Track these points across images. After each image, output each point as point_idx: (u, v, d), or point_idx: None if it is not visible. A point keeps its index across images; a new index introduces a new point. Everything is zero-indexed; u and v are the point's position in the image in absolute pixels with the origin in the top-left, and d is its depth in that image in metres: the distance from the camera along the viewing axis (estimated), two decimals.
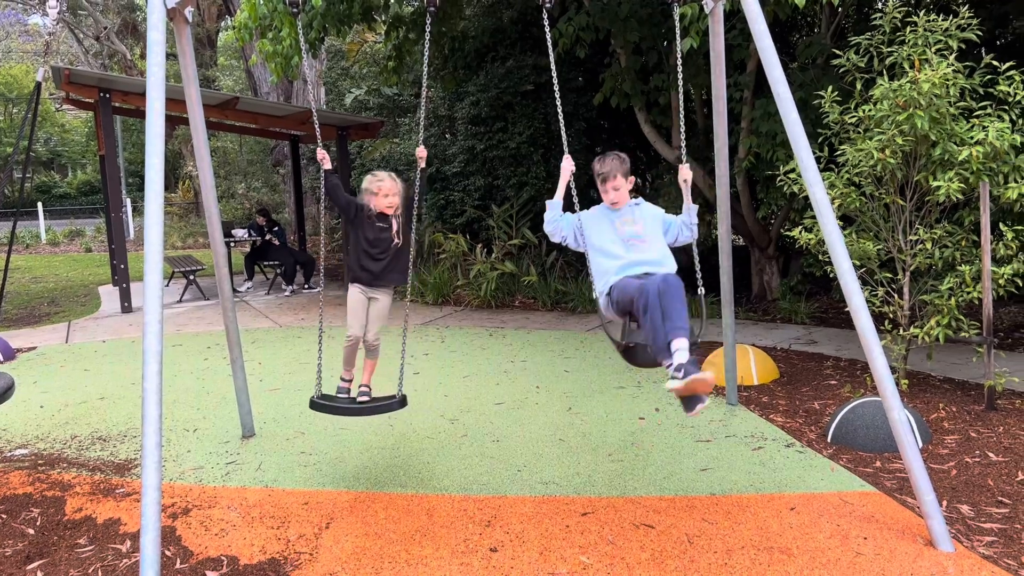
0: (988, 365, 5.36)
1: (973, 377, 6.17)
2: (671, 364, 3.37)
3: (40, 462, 4.81)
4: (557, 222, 4.10)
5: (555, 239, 4.13)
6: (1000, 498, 4.00)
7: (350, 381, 4.46)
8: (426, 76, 4.49)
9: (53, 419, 5.69)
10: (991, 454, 4.58)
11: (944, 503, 3.95)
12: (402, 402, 4.24)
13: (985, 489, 4.12)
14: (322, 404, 4.25)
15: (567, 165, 4.09)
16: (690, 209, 4.14)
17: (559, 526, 3.77)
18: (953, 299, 5.35)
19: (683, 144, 4.52)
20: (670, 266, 3.93)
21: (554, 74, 4.20)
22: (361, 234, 4.34)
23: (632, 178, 4.08)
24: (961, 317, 5.41)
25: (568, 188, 4.14)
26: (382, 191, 4.31)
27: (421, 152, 4.35)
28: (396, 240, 4.35)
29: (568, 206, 4.16)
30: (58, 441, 5.20)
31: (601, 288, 3.96)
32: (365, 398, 4.33)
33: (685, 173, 4.14)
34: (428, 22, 4.43)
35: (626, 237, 3.97)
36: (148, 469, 3.06)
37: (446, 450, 4.86)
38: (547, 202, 4.16)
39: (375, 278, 4.35)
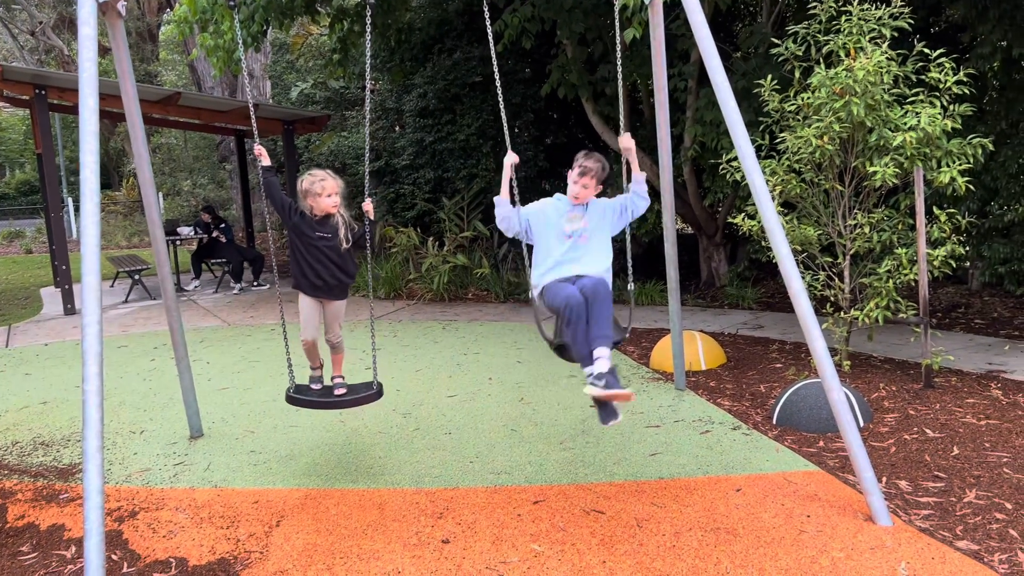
0: (925, 345, 5.53)
1: (912, 357, 6.36)
2: (592, 372, 3.63)
3: None
4: (510, 218, 4.11)
5: (509, 234, 4.16)
6: (936, 473, 4.14)
7: (319, 368, 4.46)
8: (370, 69, 4.45)
9: None
10: (928, 431, 4.73)
11: (883, 479, 4.07)
12: (379, 392, 4.26)
13: (922, 465, 4.25)
14: (299, 398, 4.23)
15: (509, 160, 4.11)
16: (636, 179, 4.18)
17: (511, 515, 3.79)
18: (891, 281, 5.50)
19: (621, 119, 4.52)
20: (605, 267, 4.04)
21: (496, 69, 4.21)
22: (300, 242, 4.19)
23: (601, 187, 4.12)
24: (899, 299, 5.57)
25: (512, 182, 4.12)
26: (325, 191, 4.14)
27: (368, 206, 4.26)
28: (344, 244, 4.22)
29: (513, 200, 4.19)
30: None
31: (536, 283, 4.08)
32: (343, 390, 4.32)
33: (626, 142, 4.19)
34: (369, 14, 4.40)
35: (570, 232, 4.04)
36: (90, 473, 3.01)
37: (398, 444, 4.86)
38: (495, 199, 4.14)
39: (318, 290, 4.25)
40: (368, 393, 4.26)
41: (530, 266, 4.17)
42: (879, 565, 3.21)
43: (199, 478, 4.42)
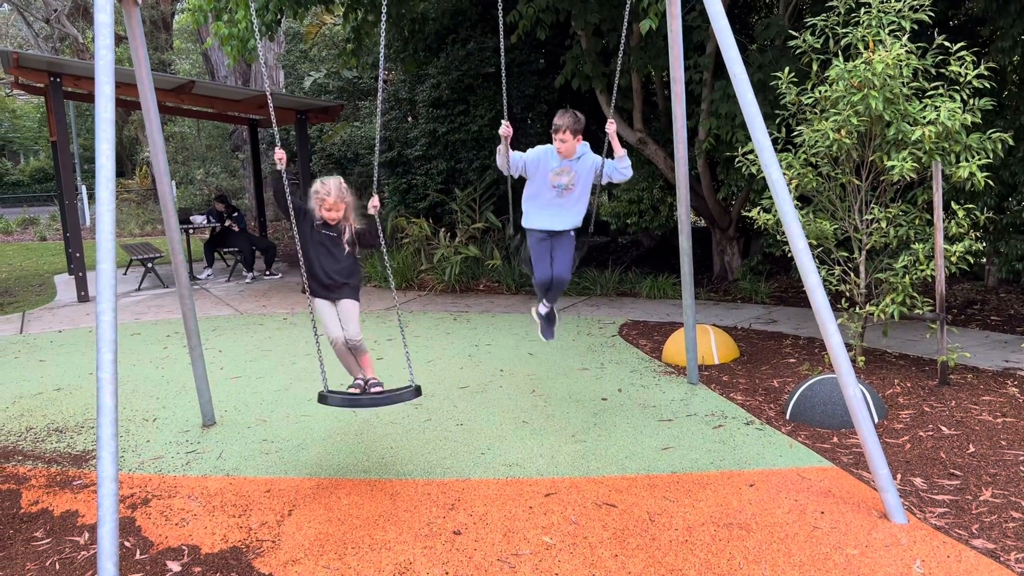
0: (941, 341, 5.48)
1: (927, 353, 6.31)
2: (540, 307, 5.06)
3: None
4: (507, 158, 4.62)
5: (506, 173, 4.71)
6: (952, 470, 4.10)
7: (362, 379, 4.31)
8: (383, 59, 4.42)
9: (7, 411, 5.57)
10: (944, 428, 4.69)
11: (898, 476, 4.04)
12: (417, 391, 4.07)
13: (937, 462, 4.22)
14: (333, 396, 4.05)
15: (503, 131, 4.47)
16: (620, 155, 4.69)
17: (522, 507, 3.79)
18: (907, 277, 5.45)
19: (613, 101, 4.95)
20: (577, 220, 4.79)
21: (502, 53, 4.18)
22: (308, 242, 4.23)
23: (580, 137, 4.65)
24: (915, 295, 5.52)
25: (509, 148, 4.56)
26: (325, 204, 4.17)
27: (375, 203, 4.25)
28: (347, 248, 4.24)
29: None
30: (13, 433, 5.09)
31: (524, 221, 4.87)
32: (378, 388, 4.21)
33: (609, 126, 4.64)
34: (384, 4, 4.37)
35: (557, 184, 4.70)
36: (104, 460, 3.02)
37: (410, 435, 4.86)
38: (497, 158, 4.66)
39: (328, 290, 4.25)
40: (405, 390, 4.05)
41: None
42: (894, 563, 3.18)
43: (211, 466, 4.43)
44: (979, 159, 5.24)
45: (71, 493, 4.12)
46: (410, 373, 4.35)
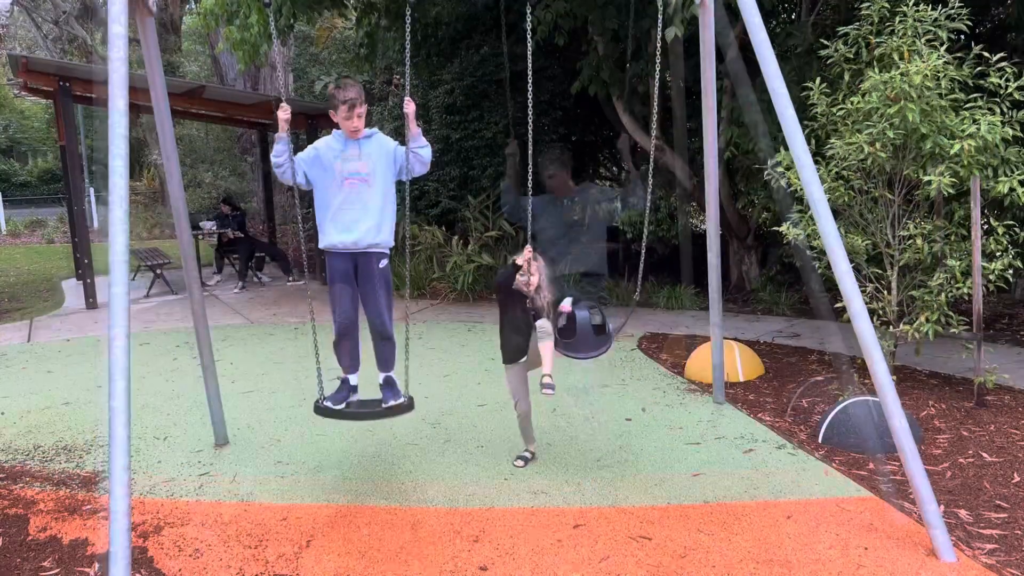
0: (978, 361, 5.29)
1: (959, 371, 6.11)
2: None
3: (1, 476, 4.56)
4: (284, 165, 3.79)
5: (284, 180, 3.87)
6: (998, 502, 3.92)
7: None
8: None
9: (15, 427, 5.42)
10: (985, 454, 4.51)
11: (941, 508, 3.86)
12: (410, 404, 4.15)
13: (982, 492, 4.04)
14: (331, 410, 4.07)
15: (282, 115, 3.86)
16: (414, 135, 3.84)
17: (550, 540, 3.62)
18: (943, 295, 5.26)
19: (652, 124, 4.35)
20: (385, 224, 3.84)
21: (529, 60, 4.01)
22: None
23: (365, 106, 3.81)
24: (951, 313, 5.33)
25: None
26: None
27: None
28: None
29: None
30: (20, 452, 4.94)
31: (320, 241, 3.86)
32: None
33: (408, 107, 3.81)
34: (409, 13, 4.21)
35: (346, 174, 3.72)
36: (116, 495, 2.87)
37: (429, 457, 4.70)
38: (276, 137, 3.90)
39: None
40: (402, 406, 4.13)
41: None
42: None
43: (225, 491, 4.27)
44: (1019, 174, 5.06)
45: (80, 519, 3.96)
46: (406, 384, 4.29)
